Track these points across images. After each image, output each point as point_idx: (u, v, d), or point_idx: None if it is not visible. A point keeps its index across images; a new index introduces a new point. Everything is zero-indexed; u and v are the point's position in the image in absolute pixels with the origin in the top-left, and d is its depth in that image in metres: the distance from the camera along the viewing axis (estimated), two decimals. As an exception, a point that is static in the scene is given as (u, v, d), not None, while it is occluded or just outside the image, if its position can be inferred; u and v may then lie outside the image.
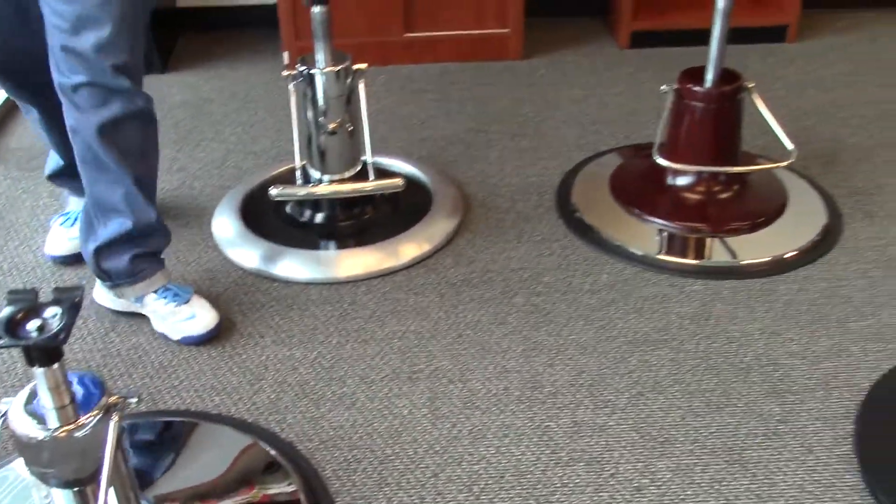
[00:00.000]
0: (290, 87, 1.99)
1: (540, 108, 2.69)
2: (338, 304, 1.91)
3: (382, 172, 2.18)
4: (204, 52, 3.10)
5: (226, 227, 2.12)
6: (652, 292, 1.92)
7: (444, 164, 2.40)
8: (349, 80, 1.99)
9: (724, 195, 2.11)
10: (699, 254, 2.04)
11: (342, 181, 2.08)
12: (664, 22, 3.05)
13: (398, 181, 2.00)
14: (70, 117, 1.65)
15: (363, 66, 2.03)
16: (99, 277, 1.81)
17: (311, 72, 1.96)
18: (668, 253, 2.03)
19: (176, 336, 1.80)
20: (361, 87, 2.01)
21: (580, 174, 2.32)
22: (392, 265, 2.00)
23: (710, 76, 2.03)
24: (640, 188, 2.18)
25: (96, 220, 1.74)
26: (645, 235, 2.07)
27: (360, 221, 2.13)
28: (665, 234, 2.07)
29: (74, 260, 2.03)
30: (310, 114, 2.02)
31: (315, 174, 2.09)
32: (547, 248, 2.06)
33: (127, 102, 1.63)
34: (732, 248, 2.04)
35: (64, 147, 1.91)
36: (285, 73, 2.00)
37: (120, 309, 1.87)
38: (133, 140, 1.68)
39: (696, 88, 2.03)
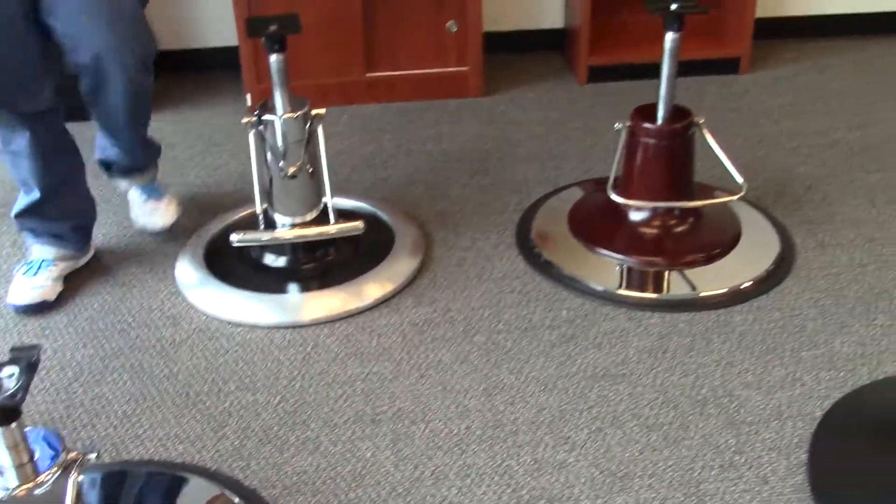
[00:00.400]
0: (250, 134, 2.02)
1: (500, 145, 2.74)
2: (301, 347, 1.92)
3: (344, 214, 2.21)
4: (167, 96, 3.11)
5: (189, 272, 2.14)
6: (611, 327, 1.95)
7: (406, 204, 2.43)
8: (308, 125, 2.02)
9: (679, 228, 2.16)
10: (657, 287, 2.08)
11: (304, 224, 2.11)
12: (620, 57, 3.11)
13: (358, 224, 2.03)
14: None
15: (322, 111, 2.06)
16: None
17: (270, 118, 1.99)
18: (627, 287, 2.06)
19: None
20: (320, 131, 2.04)
21: (540, 210, 2.36)
22: (355, 307, 2.02)
23: (661, 113, 2.08)
24: (597, 223, 2.23)
25: None
26: (604, 270, 2.11)
27: (322, 264, 2.15)
28: (623, 268, 2.11)
29: (37, 310, 2.04)
30: (270, 159, 2.04)
31: (278, 217, 2.11)
32: (507, 285, 2.10)
33: None
34: (689, 281, 2.09)
35: (42, 172, 2.01)
36: (245, 119, 2.03)
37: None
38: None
39: (648, 126, 2.08)
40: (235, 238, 1.98)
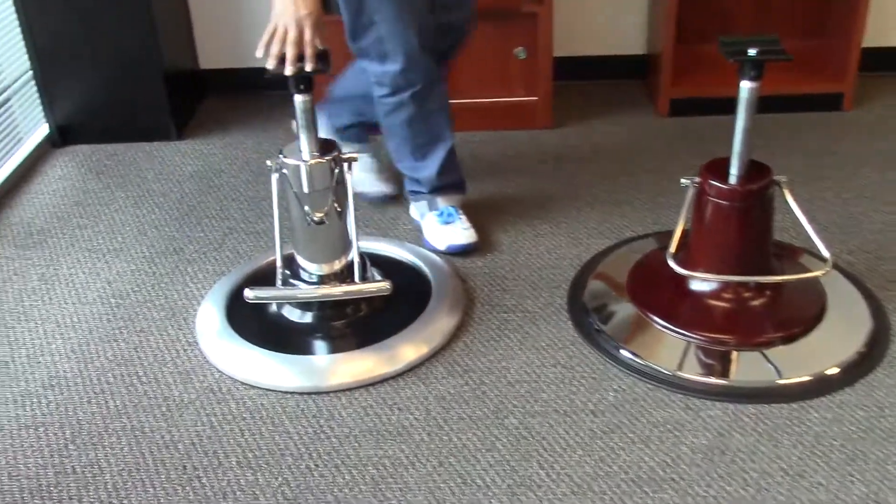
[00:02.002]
0: (273, 178, 1.85)
1: (564, 186, 2.50)
2: (314, 418, 1.74)
3: (378, 262, 2.03)
4: (223, 118, 3.00)
5: (209, 321, 1.99)
6: (664, 417, 1.70)
7: (452, 252, 2.23)
8: (337, 171, 1.84)
9: (754, 302, 1.88)
10: (723, 371, 1.82)
11: (331, 275, 1.93)
12: (709, 88, 2.84)
13: (385, 286, 1.83)
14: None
15: (354, 154, 1.88)
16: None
17: (295, 163, 1.82)
18: (688, 369, 1.81)
19: (440, 246, 2.19)
20: (349, 177, 1.86)
21: (599, 267, 2.12)
22: (383, 372, 1.83)
23: (734, 171, 1.81)
24: (659, 289, 1.98)
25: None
26: (662, 346, 1.86)
27: (352, 320, 1.97)
28: (685, 345, 1.86)
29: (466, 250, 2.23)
30: (295, 205, 1.87)
31: (302, 264, 1.94)
32: (551, 356, 1.87)
33: None
34: (762, 365, 1.81)
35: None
36: (269, 163, 1.87)
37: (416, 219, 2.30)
38: None
39: (720, 185, 1.82)
40: (251, 294, 1.81)
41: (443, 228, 2.19)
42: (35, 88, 2.79)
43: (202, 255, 2.27)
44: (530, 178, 2.54)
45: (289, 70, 1.72)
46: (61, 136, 2.85)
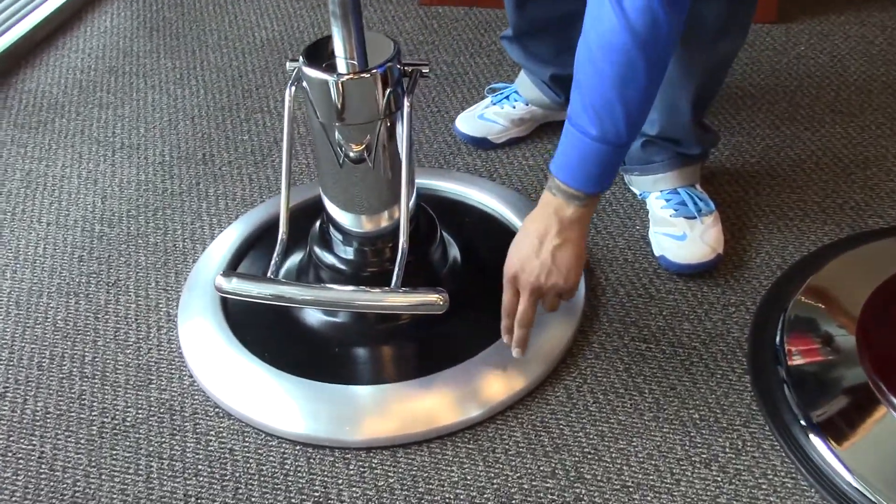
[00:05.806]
0: (287, 95, 1.13)
1: (776, 121, 1.65)
2: (298, 495, 1.09)
3: (450, 216, 1.31)
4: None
5: (199, 288, 1.35)
6: None
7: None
8: (389, 89, 1.11)
9: None
10: None
11: (374, 238, 1.23)
12: None
13: (437, 300, 1.09)
14: None
15: (424, 68, 1.13)
16: None
17: (322, 77, 1.09)
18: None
19: (656, 251, 1.37)
20: (406, 106, 1.12)
21: (811, 280, 1.30)
22: (434, 426, 1.15)
23: None
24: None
25: None
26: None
27: (406, 321, 1.27)
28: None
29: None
30: (319, 134, 1.16)
31: (334, 214, 1.23)
32: (706, 449, 1.12)
33: None
34: None
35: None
36: (289, 65, 1.15)
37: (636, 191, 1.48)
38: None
39: None
40: (224, 284, 1.12)
41: None
42: None
43: (236, 168, 1.62)
44: (730, 102, 1.70)
45: None
46: (121, -27, 2.23)
